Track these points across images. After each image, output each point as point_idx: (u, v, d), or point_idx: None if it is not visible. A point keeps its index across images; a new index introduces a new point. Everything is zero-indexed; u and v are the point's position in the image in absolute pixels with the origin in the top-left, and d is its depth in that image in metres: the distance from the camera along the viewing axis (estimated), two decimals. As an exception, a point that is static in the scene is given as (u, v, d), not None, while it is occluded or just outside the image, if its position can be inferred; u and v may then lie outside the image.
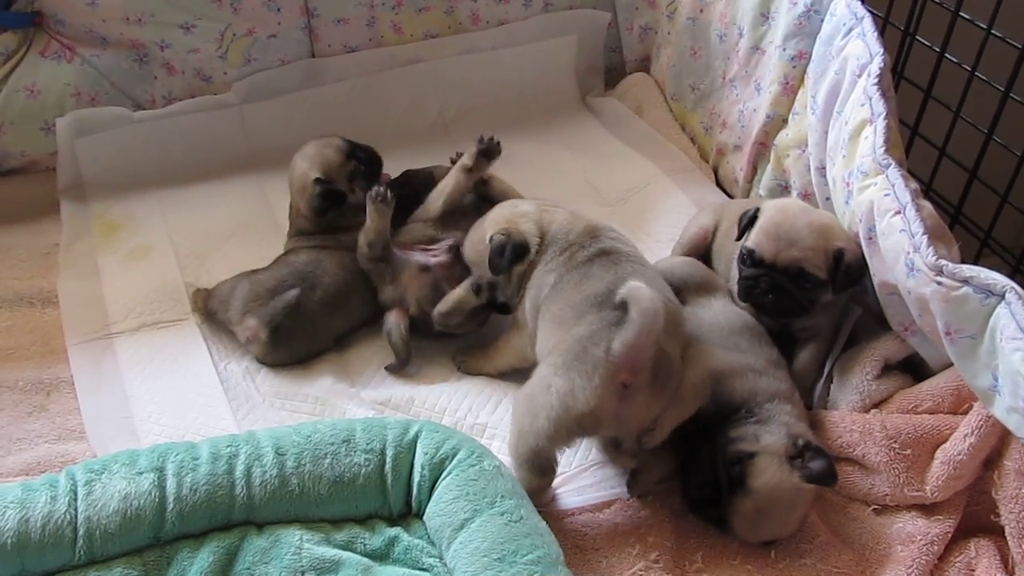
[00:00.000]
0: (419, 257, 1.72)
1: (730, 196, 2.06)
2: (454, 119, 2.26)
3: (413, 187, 1.85)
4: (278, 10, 2.00)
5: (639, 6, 2.27)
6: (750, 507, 1.34)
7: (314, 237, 1.76)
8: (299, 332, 1.66)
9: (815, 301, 1.53)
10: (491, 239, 1.58)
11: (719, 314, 1.60)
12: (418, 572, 1.28)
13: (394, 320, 1.70)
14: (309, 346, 1.69)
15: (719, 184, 2.11)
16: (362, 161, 1.79)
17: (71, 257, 1.90)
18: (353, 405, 1.60)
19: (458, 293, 1.65)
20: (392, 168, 1.90)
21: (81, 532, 1.24)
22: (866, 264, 1.51)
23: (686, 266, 1.72)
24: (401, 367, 1.68)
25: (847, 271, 1.50)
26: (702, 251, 1.81)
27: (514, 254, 1.56)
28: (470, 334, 1.71)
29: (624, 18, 2.31)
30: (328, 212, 1.74)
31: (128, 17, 1.93)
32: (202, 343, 1.71)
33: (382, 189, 1.66)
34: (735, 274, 1.61)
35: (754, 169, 1.96)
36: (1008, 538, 1.35)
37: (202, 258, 1.90)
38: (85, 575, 1.24)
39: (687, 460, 1.43)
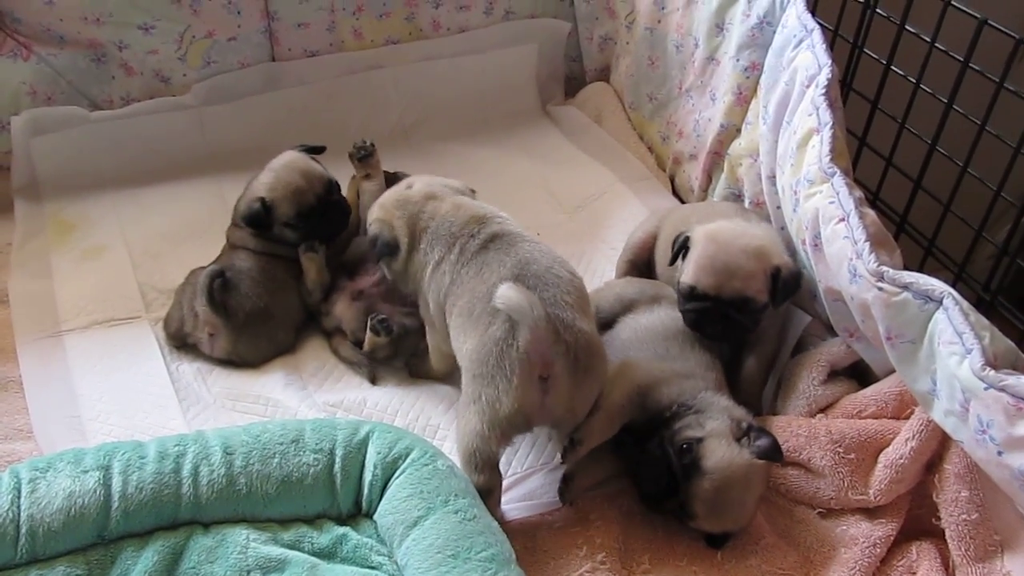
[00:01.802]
0: (351, 284, 1.74)
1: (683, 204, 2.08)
2: (414, 125, 2.27)
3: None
4: (238, 13, 2.00)
5: (599, 16, 2.30)
6: (708, 488, 1.35)
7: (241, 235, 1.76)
8: (255, 316, 1.67)
9: (759, 321, 1.55)
10: (369, 226, 1.59)
11: (656, 321, 1.61)
12: (367, 570, 1.28)
13: (334, 347, 1.73)
14: (270, 333, 1.70)
15: (676, 193, 2.14)
16: (326, 212, 1.74)
17: (23, 256, 1.88)
18: (305, 407, 1.60)
19: (368, 338, 1.67)
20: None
21: (24, 530, 1.23)
22: (800, 274, 1.55)
23: (634, 284, 1.75)
24: (369, 378, 1.69)
25: (785, 287, 1.53)
26: (646, 255, 1.84)
27: (382, 251, 1.56)
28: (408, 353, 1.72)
29: (584, 28, 2.34)
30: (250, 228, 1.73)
31: (86, 16, 1.92)
32: (154, 342, 1.71)
33: (311, 244, 1.68)
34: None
35: (709, 178, 1.99)
36: (948, 541, 1.38)
37: (157, 257, 1.89)
38: (27, 574, 1.23)
39: (634, 460, 1.45)
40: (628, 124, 2.28)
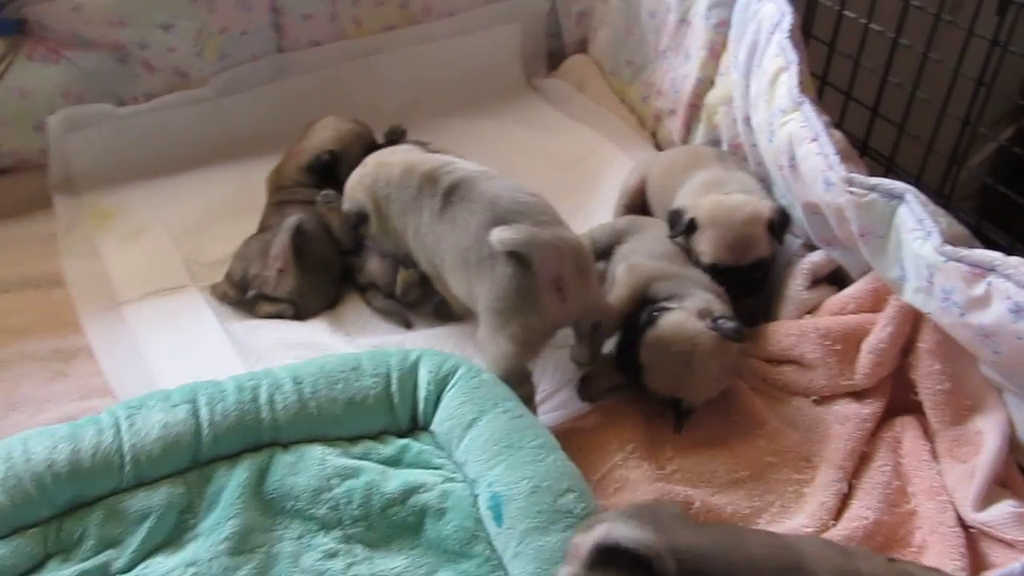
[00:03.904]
0: None
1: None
2: (414, 104, 2.45)
3: None
4: (249, 9, 2.17)
5: (576, -7, 2.51)
6: (653, 338, 1.53)
7: (295, 191, 1.95)
8: (316, 263, 1.85)
9: (770, 269, 1.78)
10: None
11: (651, 240, 1.81)
12: (430, 470, 1.46)
13: (368, 299, 1.91)
14: (327, 281, 1.88)
15: (658, 147, 2.34)
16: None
17: (70, 242, 2.03)
18: (352, 348, 1.77)
19: (400, 275, 1.83)
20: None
21: (128, 459, 1.38)
22: (784, 209, 1.76)
23: (623, 218, 1.98)
24: (404, 323, 1.86)
25: (781, 228, 1.75)
26: (639, 199, 2.05)
27: (354, 221, 1.74)
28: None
29: (562, 5, 2.54)
30: (312, 179, 1.91)
31: (110, 20, 2.08)
32: (205, 306, 1.87)
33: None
34: None
35: (688, 129, 2.19)
36: (926, 411, 1.58)
37: (194, 234, 2.06)
38: (134, 496, 1.38)
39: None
40: (609, 90, 2.48)
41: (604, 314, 1.60)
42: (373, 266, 1.88)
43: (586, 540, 1.12)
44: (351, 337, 1.82)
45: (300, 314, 1.87)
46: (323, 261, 1.89)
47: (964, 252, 1.36)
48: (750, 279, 1.76)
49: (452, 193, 1.61)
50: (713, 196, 1.79)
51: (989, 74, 1.72)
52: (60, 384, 1.71)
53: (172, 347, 1.77)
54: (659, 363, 1.55)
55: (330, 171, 1.92)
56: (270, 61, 2.27)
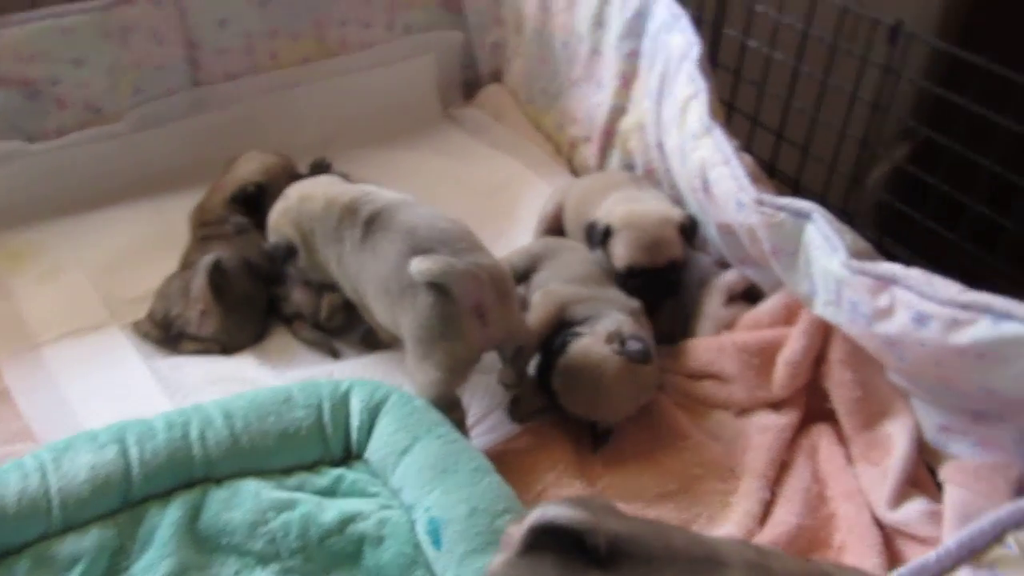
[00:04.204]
0: None
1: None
2: (331, 136, 2.46)
3: None
4: (163, 43, 2.15)
5: (488, 25, 2.56)
6: (562, 366, 1.58)
7: (220, 226, 1.94)
8: (239, 300, 1.84)
9: (684, 274, 1.84)
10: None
11: (566, 266, 1.86)
12: (366, 498, 1.47)
13: (295, 331, 1.90)
14: (252, 317, 1.87)
15: (575, 173, 2.40)
16: None
17: (-21, 284, 1.98)
18: (280, 382, 1.76)
19: (325, 299, 1.84)
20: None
21: (55, 502, 1.35)
22: (693, 216, 1.82)
23: (538, 242, 2.03)
24: (332, 353, 1.87)
25: (692, 231, 1.82)
26: (557, 225, 2.10)
27: (284, 256, 1.76)
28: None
29: (476, 36, 2.60)
30: (237, 212, 1.91)
31: (19, 55, 2.03)
32: (127, 344, 1.83)
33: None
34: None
35: (603, 155, 2.26)
36: (839, 418, 1.66)
37: (112, 272, 2.01)
38: (63, 540, 1.35)
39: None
40: (525, 118, 2.54)
41: (525, 338, 1.64)
42: (298, 295, 1.88)
43: (519, 528, 1.17)
44: (279, 370, 1.81)
45: (227, 350, 1.85)
46: (246, 297, 1.87)
47: (868, 266, 1.45)
48: (665, 281, 1.81)
49: (372, 223, 1.63)
50: (626, 205, 1.85)
51: (885, 97, 1.84)
52: (-23, 430, 1.66)
53: (95, 387, 1.73)
54: (571, 389, 1.61)
55: (255, 203, 1.92)
56: (185, 95, 2.25)
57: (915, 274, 1.42)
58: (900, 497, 1.54)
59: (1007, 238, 1.74)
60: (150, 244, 2.10)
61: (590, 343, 1.60)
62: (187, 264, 1.92)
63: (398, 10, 2.45)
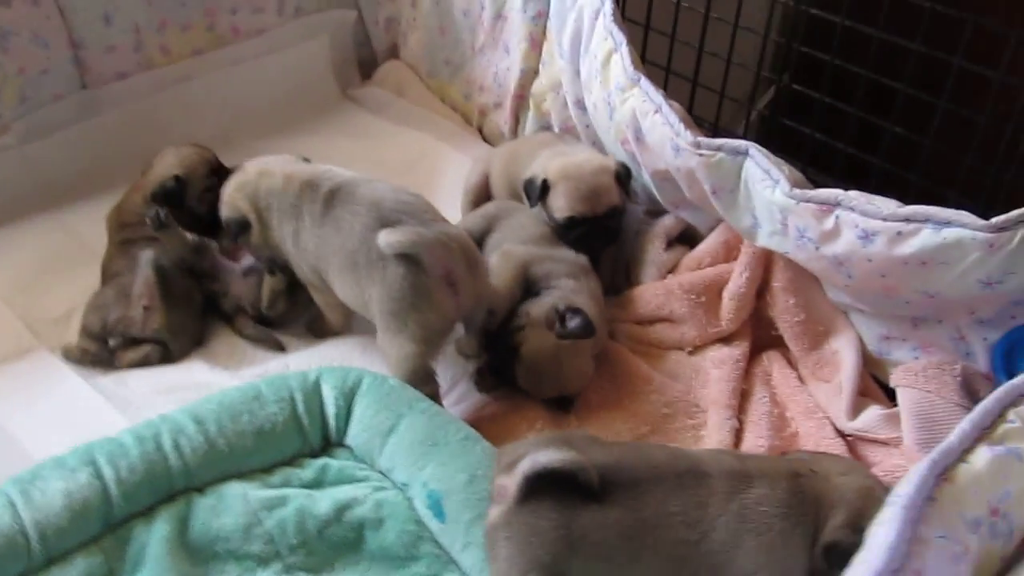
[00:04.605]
0: (241, 262, 1.86)
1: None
2: (231, 128, 2.37)
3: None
4: (46, 45, 2.02)
5: (380, 1, 2.52)
6: (521, 370, 1.63)
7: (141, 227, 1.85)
8: (179, 297, 1.79)
9: (622, 222, 1.88)
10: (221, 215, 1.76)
11: (519, 228, 1.88)
12: (356, 484, 1.46)
13: (238, 328, 1.85)
14: (192, 314, 1.81)
15: (485, 140, 2.42)
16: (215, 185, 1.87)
17: None
18: (235, 381, 1.70)
19: (266, 283, 1.80)
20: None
21: (33, 536, 1.28)
22: (626, 164, 1.86)
23: (489, 204, 2.03)
24: (277, 348, 1.82)
25: (627, 178, 1.86)
26: (484, 194, 2.11)
27: (235, 231, 1.73)
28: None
29: (368, 13, 2.55)
30: (163, 204, 1.83)
31: None
32: (62, 366, 1.74)
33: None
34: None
35: (517, 119, 2.28)
36: (787, 342, 1.75)
37: (26, 291, 1.89)
38: (47, 575, 1.30)
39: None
40: (428, 92, 2.52)
41: (496, 301, 1.64)
42: (237, 287, 1.82)
43: (512, 479, 1.20)
44: (232, 371, 1.76)
45: (168, 355, 1.78)
46: (185, 294, 1.81)
47: (811, 193, 1.53)
48: (606, 228, 1.84)
49: (333, 198, 1.62)
50: (561, 159, 1.87)
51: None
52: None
53: (37, 414, 1.63)
54: (537, 384, 1.65)
55: (178, 198, 1.85)
56: (74, 99, 2.12)
57: (855, 195, 1.50)
58: (856, 407, 1.64)
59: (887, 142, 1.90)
60: (60, 259, 1.98)
61: (537, 339, 1.61)
62: (110, 273, 1.83)
63: (287, -8, 2.38)
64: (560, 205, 1.82)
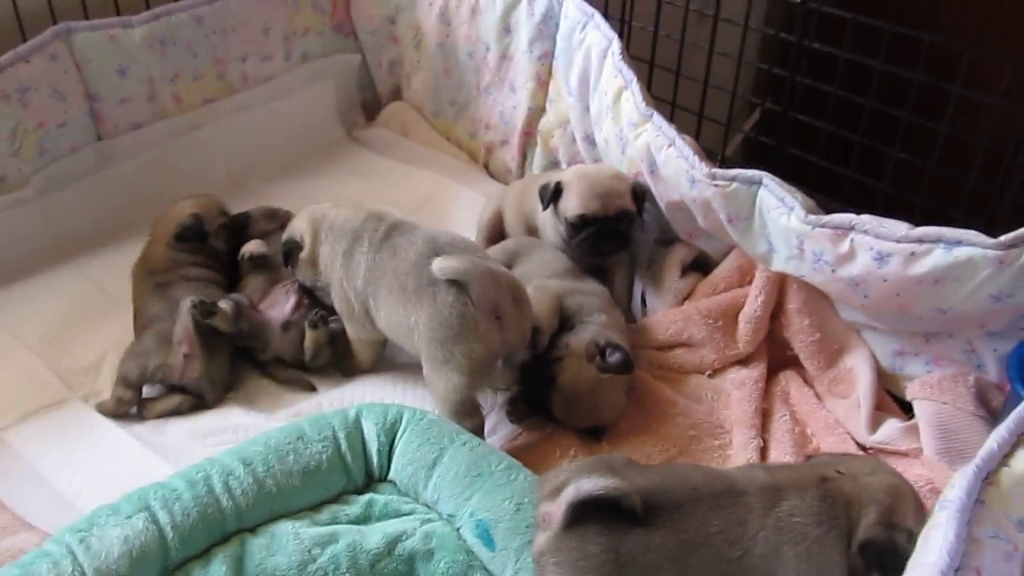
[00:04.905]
0: (275, 314, 1.89)
1: (505, 184, 2.42)
2: (242, 173, 2.42)
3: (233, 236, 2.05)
4: (64, 99, 2.06)
5: (383, 44, 2.58)
6: (558, 399, 1.68)
7: (171, 272, 1.91)
8: (216, 341, 1.81)
9: (633, 232, 1.93)
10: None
11: (545, 264, 1.93)
12: (403, 517, 1.49)
13: (270, 373, 1.88)
14: (227, 360, 1.84)
15: (492, 176, 2.48)
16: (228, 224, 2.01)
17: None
18: (272, 422, 1.74)
19: (308, 337, 1.84)
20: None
21: (95, 584, 1.31)
22: (645, 187, 1.92)
23: (510, 240, 2.08)
24: (309, 389, 1.86)
25: (643, 196, 1.91)
26: (499, 231, 2.17)
27: (285, 248, 1.82)
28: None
29: (372, 57, 2.61)
30: (186, 242, 1.91)
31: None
32: (97, 416, 1.75)
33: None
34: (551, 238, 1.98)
35: (524, 155, 2.35)
36: (803, 362, 1.82)
37: (54, 343, 1.91)
38: (110, 621, 1.32)
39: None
40: (433, 131, 2.59)
41: (538, 324, 1.69)
42: (278, 344, 1.85)
43: (557, 506, 1.24)
44: (267, 412, 1.79)
45: (201, 404, 1.80)
46: (220, 338, 1.83)
47: (826, 218, 1.60)
48: (616, 232, 1.88)
49: (394, 229, 1.72)
50: (577, 167, 1.93)
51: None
52: (-40, 531, 1.55)
53: (75, 463, 1.65)
54: (572, 414, 1.70)
55: (199, 232, 1.93)
56: (89, 151, 2.15)
57: (867, 219, 1.58)
58: (875, 421, 1.71)
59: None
60: (85, 309, 2.01)
61: (576, 370, 1.66)
62: (145, 318, 1.86)
63: (294, 39, 2.43)
64: (572, 204, 1.87)
